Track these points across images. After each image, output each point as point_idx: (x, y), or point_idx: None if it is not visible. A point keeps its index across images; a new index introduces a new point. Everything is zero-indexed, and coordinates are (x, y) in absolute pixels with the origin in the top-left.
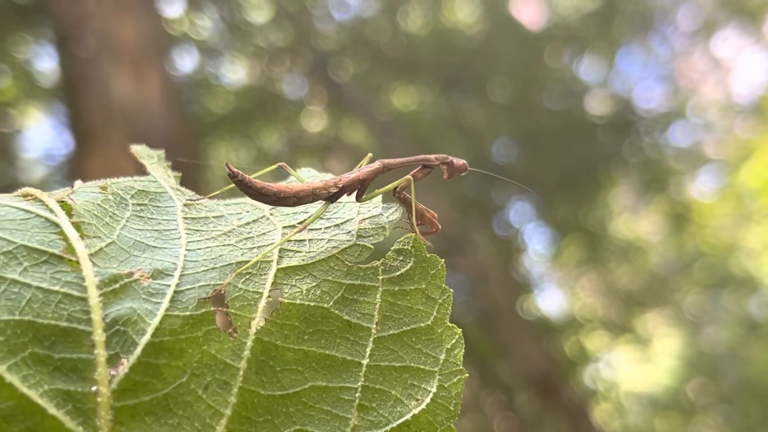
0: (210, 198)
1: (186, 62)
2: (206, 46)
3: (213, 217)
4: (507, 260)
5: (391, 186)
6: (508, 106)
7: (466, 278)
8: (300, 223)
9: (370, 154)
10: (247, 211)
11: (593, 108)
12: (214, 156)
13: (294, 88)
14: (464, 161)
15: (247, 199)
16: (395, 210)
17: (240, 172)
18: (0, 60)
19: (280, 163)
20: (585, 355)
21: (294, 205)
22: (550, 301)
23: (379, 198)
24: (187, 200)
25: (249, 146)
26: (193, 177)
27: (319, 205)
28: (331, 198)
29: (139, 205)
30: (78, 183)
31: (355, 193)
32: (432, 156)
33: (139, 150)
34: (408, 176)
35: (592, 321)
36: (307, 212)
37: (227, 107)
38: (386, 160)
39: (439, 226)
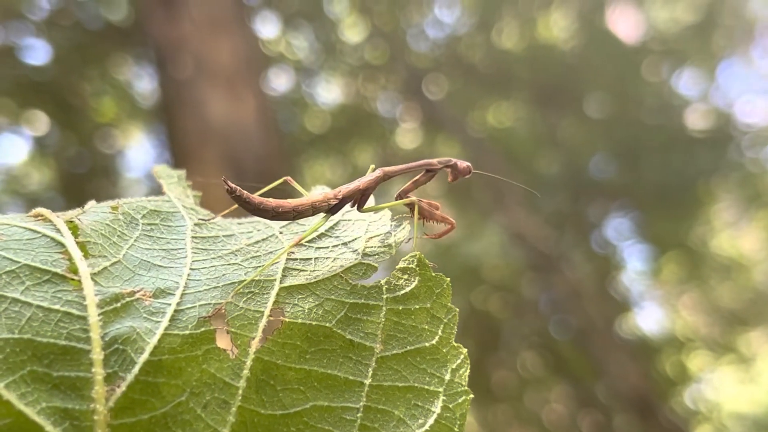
0: (223, 216)
1: (282, 82)
2: (302, 66)
3: (223, 236)
4: (604, 278)
5: (393, 203)
6: (604, 121)
7: (561, 296)
8: (306, 239)
9: (372, 165)
10: (258, 230)
11: (693, 122)
12: (310, 174)
13: (388, 106)
14: (468, 163)
15: (259, 218)
16: (403, 228)
17: (238, 188)
18: (102, 81)
19: (286, 177)
20: (686, 374)
21: (294, 219)
22: (650, 319)
23: (388, 215)
24: (198, 219)
25: (344, 164)
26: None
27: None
28: (332, 210)
29: (149, 224)
30: (90, 203)
31: (357, 204)
32: (435, 160)
33: (159, 170)
34: (411, 181)
35: (694, 340)
36: (316, 231)
37: (323, 126)
38: (386, 168)
39: (454, 222)
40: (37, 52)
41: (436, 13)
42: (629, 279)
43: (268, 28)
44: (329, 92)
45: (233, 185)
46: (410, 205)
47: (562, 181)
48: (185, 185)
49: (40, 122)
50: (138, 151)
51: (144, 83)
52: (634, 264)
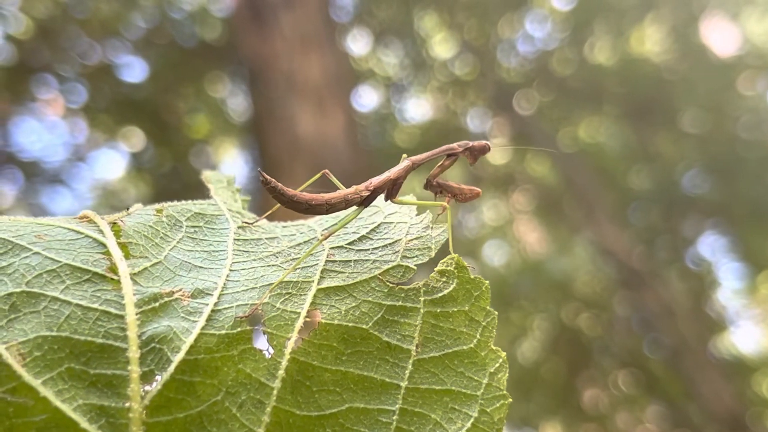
0: (268, 218)
1: (372, 98)
2: (392, 82)
3: (266, 238)
4: (698, 296)
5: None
6: (699, 136)
7: (654, 314)
8: (346, 242)
9: (404, 155)
10: (302, 233)
11: None
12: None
13: (477, 122)
14: (485, 142)
15: (307, 221)
16: (443, 231)
17: (273, 179)
18: (197, 99)
19: (324, 171)
20: None
21: (327, 212)
22: (746, 339)
23: (429, 217)
24: (243, 222)
25: None
26: None
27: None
28: (364, 202)
29: (193, 227)
30: (136, 206)
31: (388, 195)
32: (455, 144)
33: (209, 175)
34: (437, 166)
35: None
36: (357, 233)
37: (411, 141)
38: (414, 157)
39: (479, 190)
40: (134, 70)
41: (527, 28)
42: (724, 297)
43: (358, 45)
44: (418, 108)
45: (268, 177)
46: (444, 203)
47: (654, 196)
48: (234, 189)
49: (137, 138)
50: (231, 166)
51: (237, 100)
52: (729, 282)
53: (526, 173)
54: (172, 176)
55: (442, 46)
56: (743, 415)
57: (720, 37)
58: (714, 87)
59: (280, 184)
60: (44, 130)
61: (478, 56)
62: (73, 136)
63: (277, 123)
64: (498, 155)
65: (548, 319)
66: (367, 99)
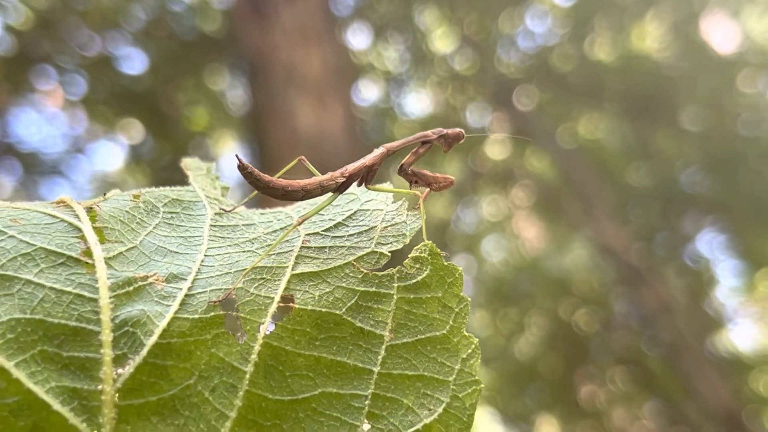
0: (246, 205)
1: (372, 92)
2: (392, 76)
3: (243, 225)
4: (696, 293)
5: (403, 191)
6: (698, 134)
7: (652, 311)
8: (322, 229)
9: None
10: (279, 219)
11: None
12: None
13: (477, 117)
14: (459, 129)
15: (285, 208)
16: (418, 218)
17: (249, 165)
18: (196, 91)
19: (300, 157)
20: None
21: (302, 198)
22: (744, 336)
23: (404, 205)
24: (220, 209)
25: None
26: None
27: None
28: (340, 188)
29: (170, 212)
30: (113, 191)
31: (363, 181)
32: (429, 131)
33: (188, 162)
34: (411, 153)
35: None
36: (333, 219)
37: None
38: (389, 144)
39: (452, 178)
40: (134, 62)
41: (528, 24)
42: (723, 295)
43: (358, 39)
44: (418, 102)
45: (245, 162)
46: (417, 192)
47: (653, 193)
48: (213, 176)
49: (136, 130)
50: (231, 159)
51: (237, 93)
52: (727, 280)
53: (525, 169)
54: (171, 168)
55: (442, 41)
56: (740, 413)
57: (720, 34)
58: (714, 84)
59: (256, 170)
60: (43, 121)
61: (478, 51)
62: (72, 128)
63: (276, 116)
64: (498, 150)
65: (546, 315)
66: (366, 93)
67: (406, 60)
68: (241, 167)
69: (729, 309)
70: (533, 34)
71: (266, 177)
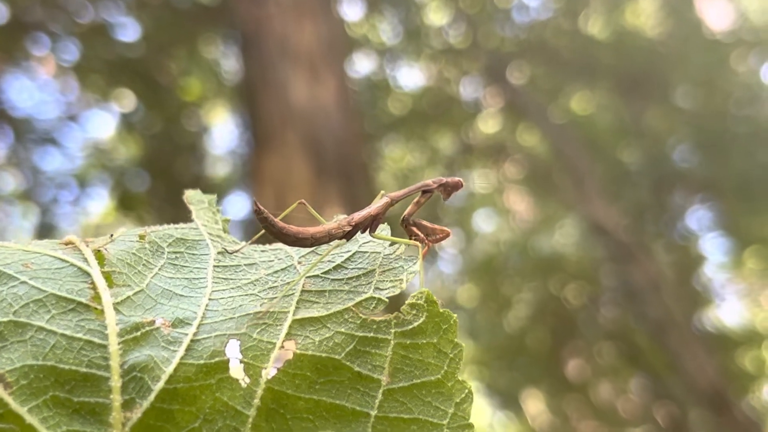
0: (250, 244)
1: (365, 65)
2: (385, 49)
3: (245, 265)
4: (684, 269)
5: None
6: (690, 111)
7: (640, 287)
8: (322, 271)
9: (382, 192)
10: (279, 259)
11: None
12: (390, 158)
13: (471, 91)
14: (459, 179)
15: (282, 246)
16: (415, 264)
17: (265, 210)
18: (189, 61)
19: (300, 201)
20: (765, 370)
21: (311, 246)
22: (731, 313)
23: (402, 249)
24: (222, 248)
25: (423, 147)
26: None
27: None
28: (346, 236)
29: (174, 252)
30: (120, 231)
31: (368, 230)
32: (429, 181)
33: (190, 195)
34: (412, 203)
35: None
36: (333, 261)
37: (404, 109)
38: (392, 194)
39: (449, 231)
40: (127, 31)
41: None
42: (711, 271)
43: (352, 10)
44: (411, 76)
45: (262, 207)
46: (417, 243)
47: (644, 170)
48: (215, 210)
49: (128, 99)
50: (223, 129)
51: (231, 63)
52: (716, 256)
53: (516, 143)
54: (163, 137)
55: (436, 14)
56: (725, 390)
57: (715, 12)
58: (707, 62)
59: (272, 216)
60: (36, 88)
61: (472, 25)
62: (64, 96)
63: (269, 88)
64: (490, 124)
65: (535, 289)
66: (360, 66)
67: (399, 33)
68: (258, 212)
69: (717, 285)
70: (527, 8)
71: (280, 224)
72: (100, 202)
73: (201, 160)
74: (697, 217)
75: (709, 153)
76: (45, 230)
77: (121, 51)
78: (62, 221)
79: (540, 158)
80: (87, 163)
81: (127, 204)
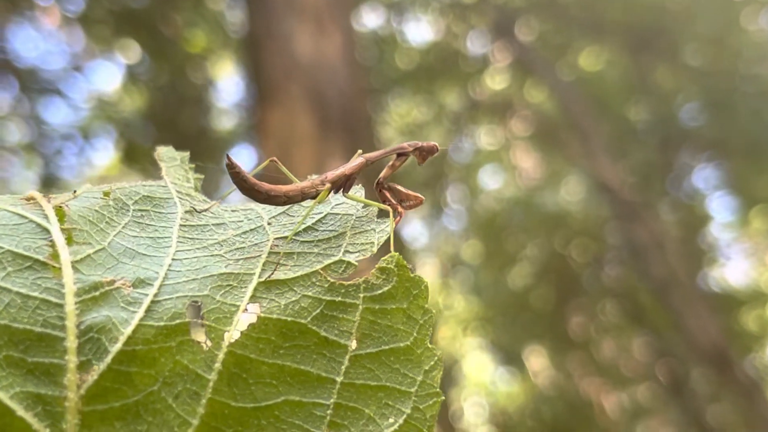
0: (221, 201)
1: (372, 18)
2: (393, 2)
3: (213, 224)
4: (690, 228)
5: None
6: (699, 69)
7: (644, 245)
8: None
9: (359, 151)
10: (249, 219)
11: None
12: (396, 112)
13: (478, 46)
14: (434, 143)
15: (255, 206)
16: (387, 226)
17: (239, 165)
18: (194, 12)
19: (272, 158)
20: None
21: (284, 204)
22: (735, 272)
23: (374, 211)
24: (191, 206)
25: (430, 102)
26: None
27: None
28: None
29: (140, 210)
30: (85, 187)
31: (342, 189)
32: (405, 144)
33: (162, 152)
34: (387, 167)
35: None
36: (304, 222)
37: (411, 63)
38: (368, 154)
39: (422, 198)
40: None
41: None
42: (716, 230)
43: None
44: (419, 30)
45: (235, 161)
46: (389, 208)
47: (651, 128)
48: (187, 168)
49: (133, 51)
50: (229, 81)
51: (236, 15)
52: (721, 215)
53: (523, 99)
54: (168, 89)
55: None
56: (728, 349)
57: None
58: (717, 19)
59: (244, 171)
60: (41, 39)
61: None
62: (69, 46)
63: (274, 41)
64: (497, 80)
65: (539, 246)
66: (367, 20)
67: None
68: (230, 166)
69: (722, 244)
70: None
71: (252, 180)
72: (104, 155)
73: (206, 112)
74: (704, 176)
75: (716, 112)
76: (49, 182)
77: (126, 2)
78: (66, 173)
79: (547, 115)
80: (92, 114)
81: (131, 156)
